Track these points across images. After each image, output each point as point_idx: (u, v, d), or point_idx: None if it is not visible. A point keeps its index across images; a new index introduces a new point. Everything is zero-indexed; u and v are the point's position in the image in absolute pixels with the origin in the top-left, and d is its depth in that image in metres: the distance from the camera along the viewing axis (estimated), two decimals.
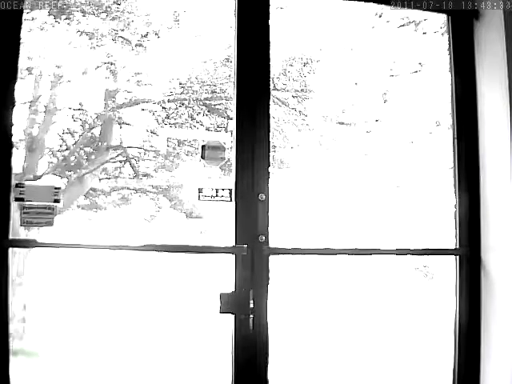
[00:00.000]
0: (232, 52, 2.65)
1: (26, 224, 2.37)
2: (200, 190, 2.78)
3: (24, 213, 2.34)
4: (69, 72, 6.85)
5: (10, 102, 2.35)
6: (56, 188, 2.37)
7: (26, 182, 2.40)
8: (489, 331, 2.72)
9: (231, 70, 2.64)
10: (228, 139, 3.19)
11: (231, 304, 2.49)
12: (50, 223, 2.31)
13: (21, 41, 2.39)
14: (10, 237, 2.35)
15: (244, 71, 2.60)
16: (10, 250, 2.37)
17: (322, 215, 8.10)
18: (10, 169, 2.34)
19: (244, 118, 2.58)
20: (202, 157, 2.79)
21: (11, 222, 2.32)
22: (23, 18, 2.42)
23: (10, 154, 2.34)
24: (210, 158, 2.79)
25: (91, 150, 7.55)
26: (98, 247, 2.59)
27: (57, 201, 2.39)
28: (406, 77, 6.90)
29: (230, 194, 2.64)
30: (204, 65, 7.29)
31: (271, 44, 2.63)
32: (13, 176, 2.36)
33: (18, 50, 2.38)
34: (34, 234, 5.66)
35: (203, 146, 2.79)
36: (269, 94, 2.63)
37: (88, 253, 7.11)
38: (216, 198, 2.76)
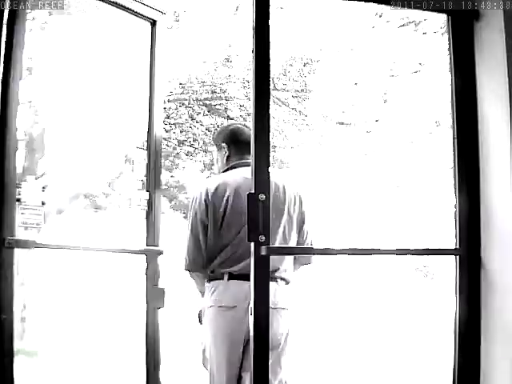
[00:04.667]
0: (232, 52, 2.65)
1: (23, 224, 2.38)
2: (130, 199, 2.89)
3: (22, 213, 2.35)
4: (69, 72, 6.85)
5: (12, 103, 2.34)
6: (54, 188, 2.37)
7: (24, 183, 2.40)
8: (489, 331, 2.72)
9: (231, 69, 2.64)
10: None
11: None
12: (45, 223, 2.31)
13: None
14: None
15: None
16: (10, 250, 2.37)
17: (322, 215, 8.10)
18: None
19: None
20: None
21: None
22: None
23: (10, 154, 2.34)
24: None
25: None
26: (97, 249, 2.59)
27: (53, 202, 2.39)
28: (406, 77, 6.91)
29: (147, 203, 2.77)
30: (204, 65, 7.29)
31: (271, 44, 2.63)
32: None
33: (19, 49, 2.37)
34: (33, 234, 5.67)
35: None
36: (269, 94, 2.63)
37: (87, 253, 7.10)
38: (139, 207, 2.86)
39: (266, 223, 2.54)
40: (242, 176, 2.87)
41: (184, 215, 8.45)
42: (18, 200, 2.30)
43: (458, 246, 2.83)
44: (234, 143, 2.97)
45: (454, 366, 2.79)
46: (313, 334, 6.94)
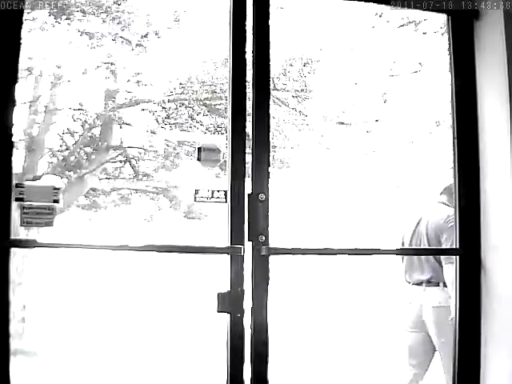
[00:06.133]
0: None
1: (25, 224, 2.37)
2: (196, 192, 2.77)
3: (24, 213, 2.34)
4: (69, 72, 6.85)
5: (11, 103, 2.34)
6: (55, 188, 2.37)
7: (26, 182, 2.40)
8: (489, 331, 2.72)
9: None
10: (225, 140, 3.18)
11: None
12: (50, 224, 2.31)
13: (21, 41, 2.39)
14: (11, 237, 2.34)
15: (243, 71, 2.60)
16: (11, 250, 2.37)
17: (322, 215, 8.10)
18: (10, 169, 2.33)
19: (242, 118, 2.58)
20: (198, 159, 2.78)
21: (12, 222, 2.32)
22: (23, 18, 2.41)
23: (10, 154, 2.34)
24: (206, 160, 2.77)
25: (91, 150, 7.55)
26: (97, 247, 2.58)
27: (56, 201, 2.38)
28: (406, 77, 6.90)
29: (225, 195, 2.59)
30: (204, 65, 7.29)
31: (271, 44, 2.64)
32: (13, 176, 2.36)
33: (19, 50, 2.37)
34: (33, 234, 5.67)
35: (199, 149, 2.77)
36: (269, 94, 2.63)
37: (88, 253, 7.11)
38: (212, 200, 2.74)
39: (266, 223, 2.54)
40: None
41: (184, 215, 8.45)
42: (21, 200, 2.29)
43: (457, 246, 2.83)
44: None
45: (454, 365, 2.79)
46: (312, 334, 6.94)
